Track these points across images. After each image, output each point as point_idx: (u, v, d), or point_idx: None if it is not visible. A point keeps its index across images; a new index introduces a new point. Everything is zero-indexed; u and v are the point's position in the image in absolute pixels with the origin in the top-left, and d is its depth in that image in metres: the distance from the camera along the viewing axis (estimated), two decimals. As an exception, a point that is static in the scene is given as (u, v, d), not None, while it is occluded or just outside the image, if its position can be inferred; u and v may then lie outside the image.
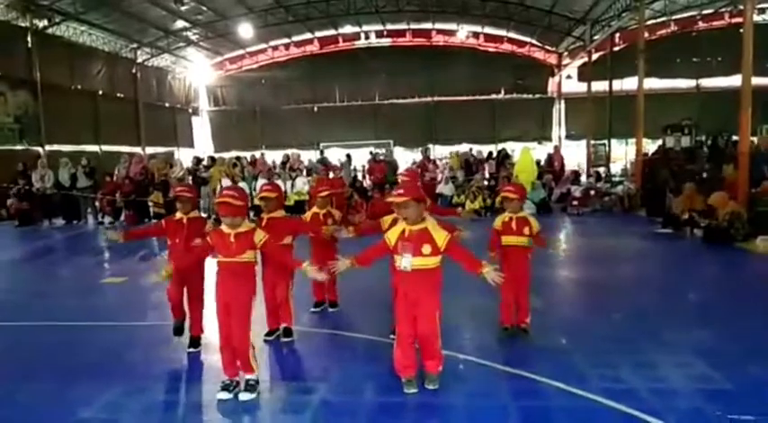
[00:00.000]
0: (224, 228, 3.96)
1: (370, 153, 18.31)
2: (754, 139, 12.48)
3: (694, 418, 3.44)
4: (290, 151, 19.07)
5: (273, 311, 5.03)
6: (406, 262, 3.78)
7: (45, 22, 18.41)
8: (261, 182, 14.34)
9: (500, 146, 21.25)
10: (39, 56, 17.51)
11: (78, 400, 3.93)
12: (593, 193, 14.67)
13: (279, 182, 14.26)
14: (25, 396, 4.06)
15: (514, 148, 19.29)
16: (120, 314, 6.11)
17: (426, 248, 3.76)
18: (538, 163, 16.58)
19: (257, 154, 20.52)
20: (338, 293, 5.97)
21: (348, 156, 18.73)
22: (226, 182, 14.27)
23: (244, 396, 3.87)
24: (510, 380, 4.08)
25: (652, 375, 4.07)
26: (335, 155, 21.46)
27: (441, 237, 3.79)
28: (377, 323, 5.32)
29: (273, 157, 20.00)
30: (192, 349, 4.83)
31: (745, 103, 10.37)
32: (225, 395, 3.87)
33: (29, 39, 17.44)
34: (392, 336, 4.32)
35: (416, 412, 3.67)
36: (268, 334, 5.04)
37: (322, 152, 20.92)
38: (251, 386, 3.92)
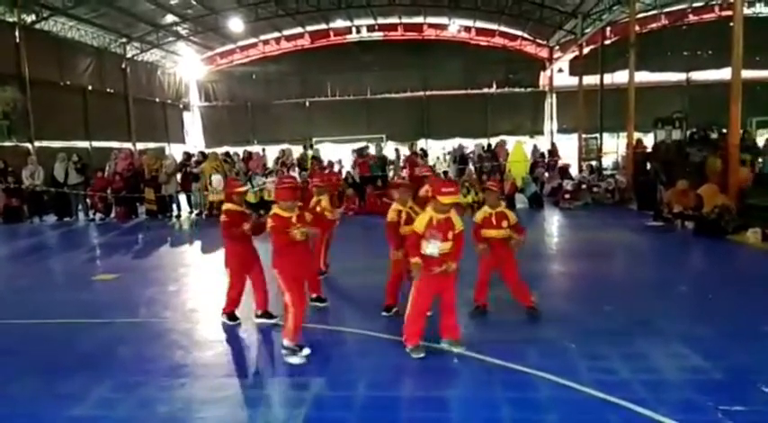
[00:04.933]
0: (282, 212, 4.49)
1: (353, 151, 18.17)
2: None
3: (686, 409, 3.47)
4: (284, 146, 18.95)
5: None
6: (433, 248, 4.24)
7: (33, 17, 18.20)
8: (256, 178, 14.32)
9: (492, 140, 21.25)
10: (27, 51, 17.30)
11: (70, 396, 3.92)
12: (584, 186, 14.71)
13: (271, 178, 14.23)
14: (16, 393, 4.04)
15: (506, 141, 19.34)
16: (112, 311, 6.08)
17: (450, 234, 4.30)
18: (542, 154, 16.56)
19: (258, 149, 20.39)
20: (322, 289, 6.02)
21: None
22: (216, 177, 14.18)
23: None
24: (502, 373, 4.09)
25: (643, 367, 4.10)
26: (328, 150, 21.42)
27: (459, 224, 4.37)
28: (368, 319, 5.34)
29: (266, 152, 19.91)
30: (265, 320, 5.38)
31: (734, 95, 10.41)
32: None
33: (17, 34, 17.22)
34: (384, 313, 5.39)
35: (410, 406, 3.68)
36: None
37: (311, 146, 20.78)
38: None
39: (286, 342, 4.46)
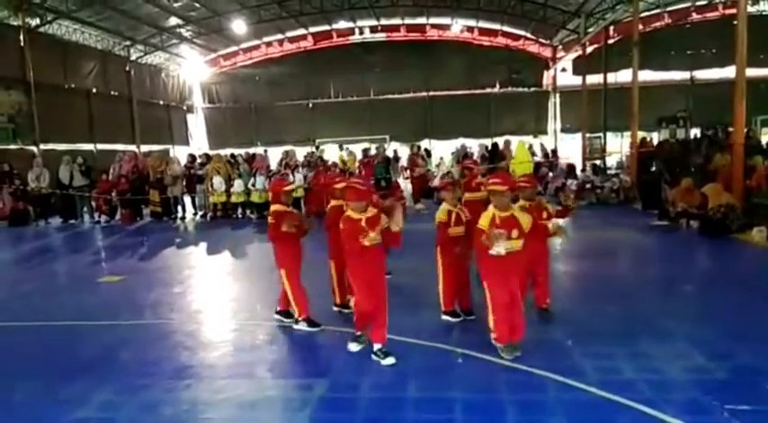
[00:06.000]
0: (353, 214, 4.34)
1: (362, 150, 18.22)
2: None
3: (691, 409, 3.45)
4: (287, 147, 18.98)
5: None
6: (499, 247, 4.11)
7: (37, 21, 18.26)
8: (260, 179, 14.31)
9: (496, 140, 21.23)
10: (31, 54, 17.37)
11: (75, 398, 3.93)
12: (588, 186, 14.68)
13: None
14: (21, 395, 4.05)
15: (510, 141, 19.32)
16: (117, 313, 6.09)
17: (515, 232, 4.25)
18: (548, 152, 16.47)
19: (260, 150, 20.43)
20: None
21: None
22: (217, 179, 14.20)
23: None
24: (508, 373, 4.09)
25: (649, 367, 4.09)
26: (333, 151, 21.46)
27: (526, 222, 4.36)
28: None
29: (269, 154, 19.95)
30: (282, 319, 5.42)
31: (739, 94, 10.37)
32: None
33: (21, 37, 17.31)
34: (450, 318, 5.28)
35: (415, 407, 3.67)
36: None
37: (317, 147, 20.81)
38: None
39: (376, 346, 4.44)
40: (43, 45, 18.31)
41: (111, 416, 3.70)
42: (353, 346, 4.57)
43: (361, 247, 4.18)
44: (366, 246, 4.16)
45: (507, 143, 17.60)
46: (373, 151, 16.77)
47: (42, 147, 17.47)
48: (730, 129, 12.36)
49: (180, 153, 22.43)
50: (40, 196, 14.65)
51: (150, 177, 14.84)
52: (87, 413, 3.74)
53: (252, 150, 20.43)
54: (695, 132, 15.45)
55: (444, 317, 5.30)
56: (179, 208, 14.98)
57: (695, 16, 22.82)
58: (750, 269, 7.62)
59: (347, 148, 21.29)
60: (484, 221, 4.30)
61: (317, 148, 21.25)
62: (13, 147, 16.61)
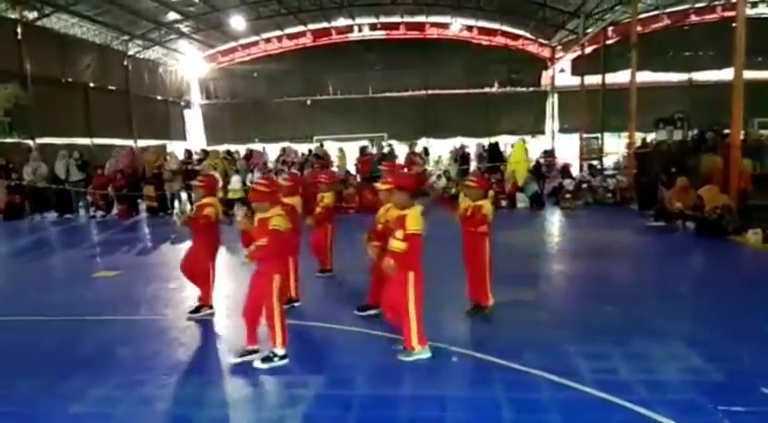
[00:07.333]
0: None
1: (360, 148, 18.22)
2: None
3: (686, 410, 3.46)
4: (285, 144, 18.97)
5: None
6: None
7: (35, 14, 18.20)
8: (257, 175, 14.27)
9: (494, 139, 21.24)
10: (28, 48, 17.31)
11: (70, 394, 3.92)
12: (585, 186, 14.70)
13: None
14: (17, 391, 4.04)
15: (507, 142, 19.36)
16: (113, 308, 6.07)
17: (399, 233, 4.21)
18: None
19: (257, 147, 20.43)
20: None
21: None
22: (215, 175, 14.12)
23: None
24: (502, 372, 4.09)
25: (644, 367, 4.10)
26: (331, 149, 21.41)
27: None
28: (368, 317, 5.33)
29: (267, 150, 19.95)
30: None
31: (736, 96, 10.40)
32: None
33: (18, 31, 17.24)
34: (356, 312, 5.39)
35: (409, 404, 3.68)
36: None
37: (322, 145, 20.74)
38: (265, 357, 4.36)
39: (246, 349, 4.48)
40: (41, 38, 18.26)
41: (107, 411, 3.69)
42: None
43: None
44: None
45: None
46: (371, 149, 16.77)
47: (39, 141, 17.42)
48: (726, 131, 12.39)
49: (177, 148, 22.40)
50: (36, 190, 14.61)
51: (146, 173, 14.80)
52: (83, 408, 3.73)
53: (251, 147, 20.40)
54: (692, 134, 15.47)
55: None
56: (176, 203, 14.95)
57: (694, 18, 22.86)
58: (745, 271, 7.65)
59: (320, 144, 21.13)
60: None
61: (321, 145, 21.11)
62: (9, 140, 16.56)
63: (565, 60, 25.40)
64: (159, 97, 26.09)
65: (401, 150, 21.75)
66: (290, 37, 27.60)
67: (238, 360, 4.37)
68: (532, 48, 27.12)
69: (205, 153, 16.31)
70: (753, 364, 4.12)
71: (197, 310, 5.64)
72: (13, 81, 16.85)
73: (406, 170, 14.18)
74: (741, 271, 7.65)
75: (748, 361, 4.18)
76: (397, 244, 4.18)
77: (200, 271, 5.59)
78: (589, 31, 20.82)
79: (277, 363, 4.28)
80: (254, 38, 27.35)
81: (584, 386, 3.78)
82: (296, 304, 5.78)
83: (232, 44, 27.75)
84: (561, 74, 25.85)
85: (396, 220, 4.29)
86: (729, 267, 7.83)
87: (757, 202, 9.84)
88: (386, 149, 18.73)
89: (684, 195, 10.36)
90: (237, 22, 23.04)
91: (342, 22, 26.51)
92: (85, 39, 21.17)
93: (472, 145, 20.51)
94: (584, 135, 21.15)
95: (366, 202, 13.95)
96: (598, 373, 3.99)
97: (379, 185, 4.54)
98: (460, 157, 18.34)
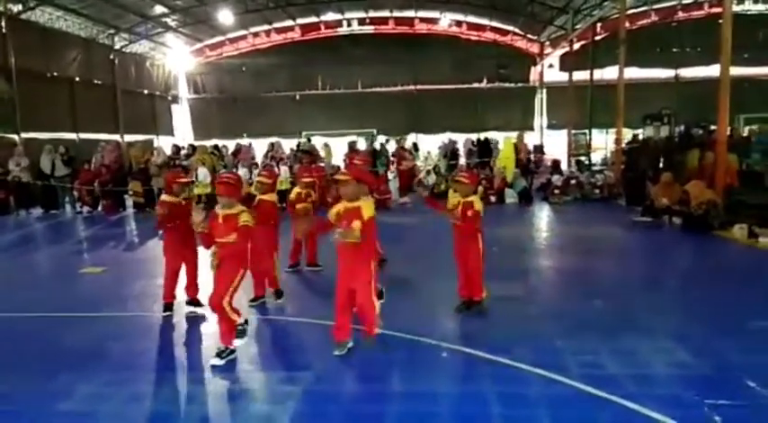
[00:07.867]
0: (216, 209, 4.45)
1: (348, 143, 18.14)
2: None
3: (673, 404, 3.50)
4: (273, 139, 18.85)
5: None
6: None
7: (19, 7, 17.92)
8: (242, 170, 14.18)
9: (483, 135, 21.26)
10: (13, 42, 17.03)
11: (58, 391, 3.89)
12: (573, 182, 14.78)
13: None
14: (4, 388, 4.00)
15: (497, 139, 19.38)
16: (100, 304, 6.03)
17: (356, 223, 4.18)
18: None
19: (245, 142, 20.27)
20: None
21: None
22: (202, 170, 14.05)
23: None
24: (491, 367, 4.11)
25: (631, 361, 4.14)
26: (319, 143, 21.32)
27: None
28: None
29: (255, 145, 19.82)
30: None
31: (723, 93, 10.49)
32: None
33: (2, 24, 16.96)
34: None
35: (398, 400, 3.69)
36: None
37: (309, 140, 20.62)
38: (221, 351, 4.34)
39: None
40: (25, 32, 17.95)
41: (95, 408, 3.67)
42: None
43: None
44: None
45: (521, 136, 17.39)
46: (360, 144, 16.73)
47: (24, 135, 17.18)
48: (712, 126, 12.51)
49: (164, 143, 22.21)
50: (21, 185, 14.41)
51: (132, 168, 14.66)
52: (72, 406, 3.71)
53: (237, 141, 20.27)
54: (678, 130, 15.60)
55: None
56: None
57: (681, 14, 23.05)
58: (732, 266, 7.72)
59: (308, 139, 20.97)
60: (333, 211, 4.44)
61: (308, 140, 21.00)
62: (-7, 135, 16.32)
63: (553, 56, 25.47)
64: (146, 92, 25.81)
65: (389, 146, 21.75)
66: (279, 31, 27.41)
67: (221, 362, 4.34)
68: (521, 43, 27.15)
69: (193, 148, 16.17)
70: (739, 358, 4.17)
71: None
72: (-3, 75, 16.62)
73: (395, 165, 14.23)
74: (728, 266, 7.72)
75: (734, 355, 4.23)
76: (356, 234, 4.13)
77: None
78: (578, 26, 20.90)
79: (231, 356, 4.35)
80: (242, 32, 27.13)
81: (572, 380, 3.81)
82: (265, 300, 5.88)
83: (220, 38, 27.51)
84: (550, 70, 25.92)
85: (348, 211, 4.27)
86: (716, 262, 7.91)
87: (743, 198, 9.93)
88: (377, 145, 18.70)
89: (669, 190, 10.46)
90: (225, 15, 22.82)
91: (331, 16, 26.37)
92: (71, 32, 20.87)
93: (461, 140, 20.55)
94: (573, 131, 21.25)
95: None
96: (586, 368, 4.02)
97: (339, 176, 4.48)
98: (450, 152, 18.35)
